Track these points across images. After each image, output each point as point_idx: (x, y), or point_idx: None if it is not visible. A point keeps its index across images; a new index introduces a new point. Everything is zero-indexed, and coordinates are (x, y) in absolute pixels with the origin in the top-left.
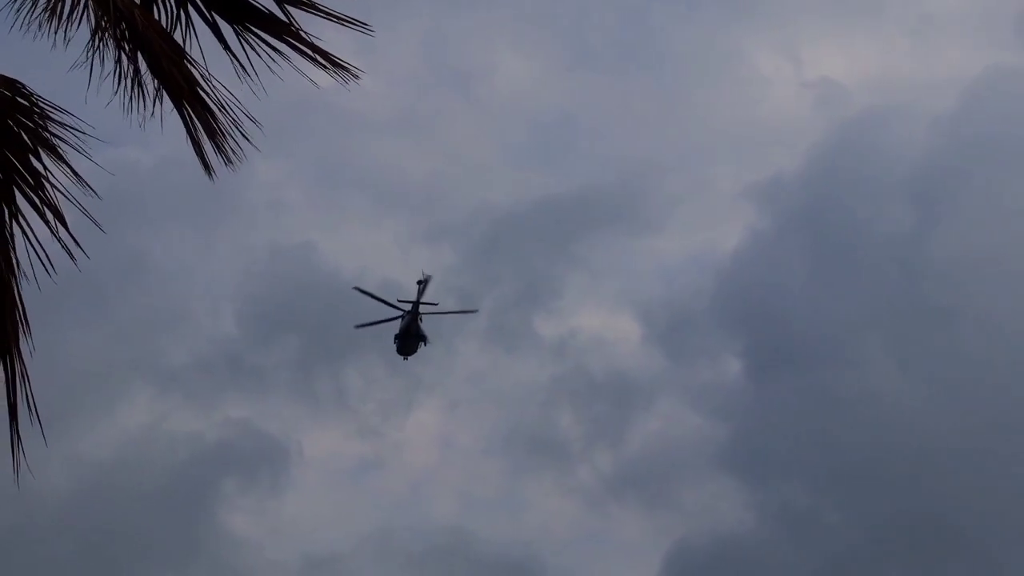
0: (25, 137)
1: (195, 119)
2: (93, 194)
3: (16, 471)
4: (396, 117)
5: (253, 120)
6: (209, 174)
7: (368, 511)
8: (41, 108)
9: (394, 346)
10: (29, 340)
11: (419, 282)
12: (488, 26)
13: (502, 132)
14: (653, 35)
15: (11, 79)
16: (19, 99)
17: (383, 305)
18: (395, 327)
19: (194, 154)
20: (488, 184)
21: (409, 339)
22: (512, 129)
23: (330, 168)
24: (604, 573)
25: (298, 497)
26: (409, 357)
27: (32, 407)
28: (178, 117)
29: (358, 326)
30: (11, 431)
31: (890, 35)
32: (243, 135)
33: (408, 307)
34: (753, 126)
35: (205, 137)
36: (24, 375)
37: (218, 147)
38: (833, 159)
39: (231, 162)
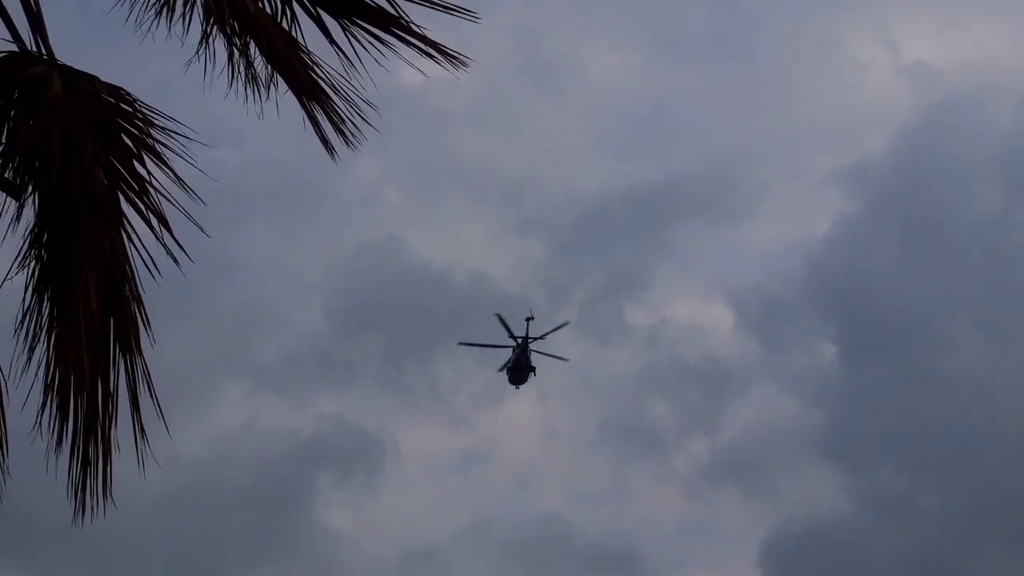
0: (129, 143)
1: (312, 102)
2: (196, 198)
3: (141, 465)
4: (486, 110)
5: (369, 103)
6: (332, 155)
7: (464, 503)
8: (144, 114)
9: (505, 375)
10: (149, 334)
11: (527, 319)
12: (581, 17)
13: (594, 124)
14: (747, 23)
15: (115, 86)
16: (123, 105)
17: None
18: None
19: (316, 138)
20: (577, 175)
21: (520, 370)
22: (604, 120)
23: (419, 162)
24: (702, 561)
25: (393, 490)
26: (520, 386)
27: (154, 400)
28: (289, 109)
29: (461, 343)
30: (134, 425)
31: (986, 17)
32: (361, 116)
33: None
34: (847, 112)
35: (324, 119)
36: (145, 371)
37: (336, 128)
38: (923, 142)
39: (350, 143)
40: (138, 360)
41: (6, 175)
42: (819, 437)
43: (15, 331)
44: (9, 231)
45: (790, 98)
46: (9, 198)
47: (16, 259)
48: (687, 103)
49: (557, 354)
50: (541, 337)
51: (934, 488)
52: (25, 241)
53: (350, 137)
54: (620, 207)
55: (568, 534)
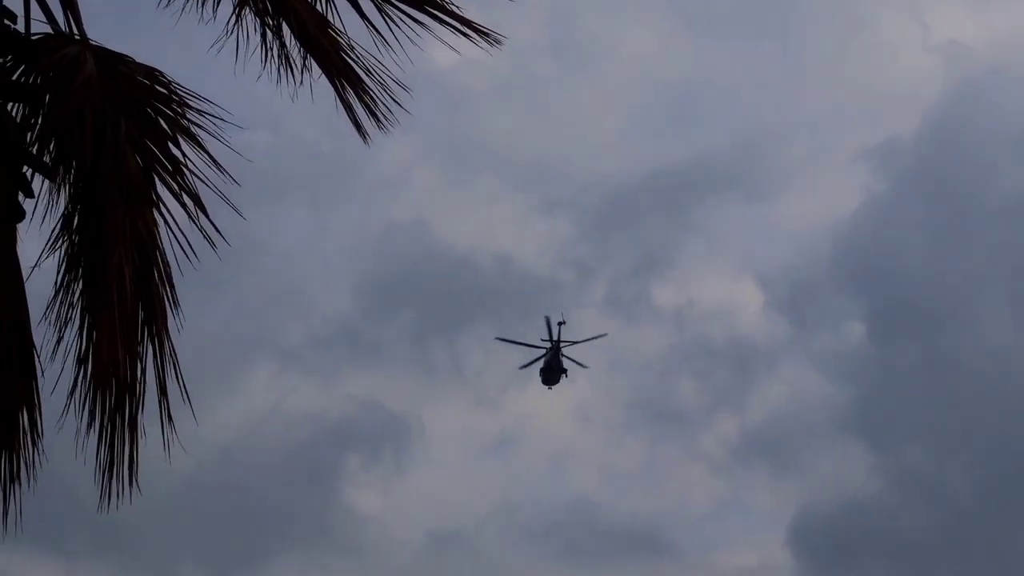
0: (164, 125)
1: (345, 84)
2: (230, 179)
3: (168, 449)
4: (516, 89)
5: (401, 85)
6: (364, 138)
7: (492, 485)
8: (179, 95)
9: (524, 372)
10: (178, 318)
11: (560, 323)
12: None
13: (623, 103)
14: (778, 1)
15: (150, 67)
16: (158, 87)
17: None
18: (531, 351)
19: (346, 119)
20: (606, 155)
21: (552, 372)
22: (633, 99)
23: (448, 142)
24: (731, 541)
25: (421, 472)
26: (552, 387)
27: (181, 385)
28: (322, 90)
29: (499, 339)
30: (160, 409)
31: None
32: (393, 99)
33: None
34: (877, 91)
35: (356, 101)
36: (173, 354)
37: (369, 111)
38: (953, 120)
39: (383, 125)
40: (167, 344)
41: (42, 157)
42: (848, 416)
43: (44, 314)
44: (43, 213)
45: (820, 77)
46: (44, 180)
47: (48, 241)
48: (717, 82)
49: (581, 361)
50: (576, 342)
51: (963, 467)
52: (58, 223)
53: (383, 120)
54: (648, 186)
55: (597, 515)
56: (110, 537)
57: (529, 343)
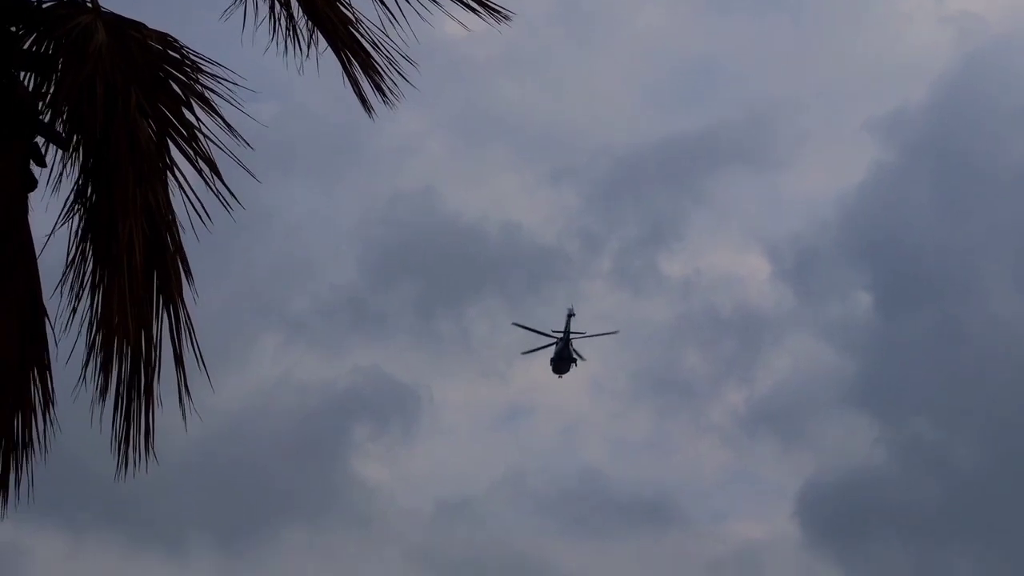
0: (177, 90)
1: (352, 58)
2: (245, 144)
3: (185, 418)
4: (526, 60)
5: (409, 60)
6: (369, 112)
7: (500, 455)
8: (192, 60)
9: (550, 367)
10: (192, 287)
11: (570, 315)
12: None
13: (633, 74)
14: None
15: (162, 33)
16: (171, 52)
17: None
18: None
19: (353, 94)
20: (615, 125)
21: (563, 361)
22: (644, 70)
23: (456, 113)
24: (738, 510)
25: (429, 443)
26: (563, 375)
27: (198, 355)
28: (330, 63)
29: (515, 324)
30: (178, 378)
31: None
32: (399, 73)
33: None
34: (889, 61)
35: (362, 76)
36: (188, 322)
37: (376, 86)
38: (962, 90)
39: (389, 100)
40: (182, 312)
41: (54, 126)
42: (854, 387)
43: (58, 284)
44: (56, 183)
45: (831, 48)
46: (57, 150)
47: (61, 211)
48: (728, 53)
49: (580, 354)
50: (585, 335)
51: (969, 438)
52: (70, 193)
53: (388, 95)
54: (657, 156)
55: (605, 485)
56: (118, 507)
57: (543, 332)
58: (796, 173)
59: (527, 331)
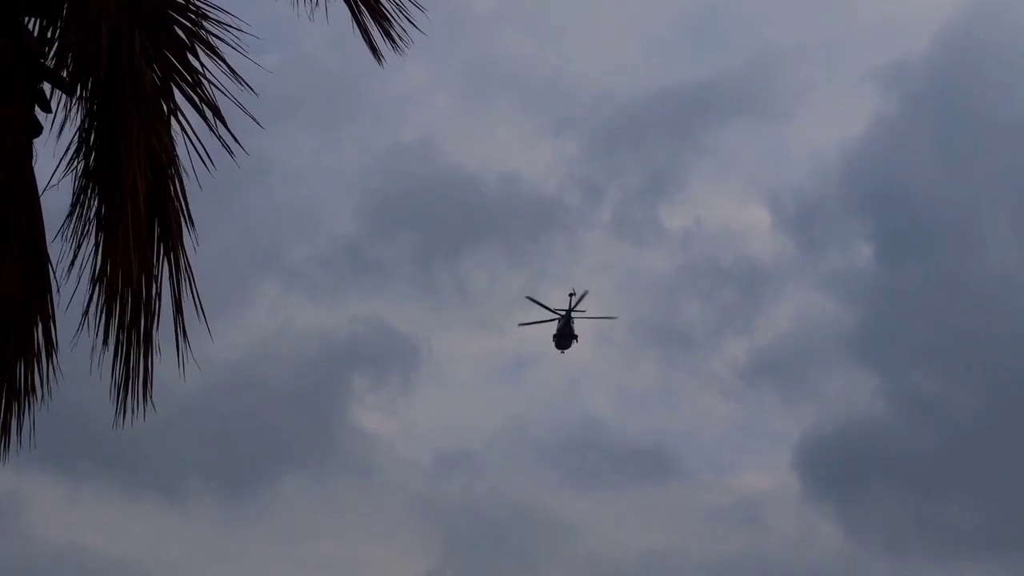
0: (182, 35)
1: (361, 4)
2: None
3: (182, 366)
4: (527, 9)
5: (417, 5)
6: (378, 59)
7: (500, 406)
8: (197, 6)
9: (553, 343)
10: (192, 235)
11: (570, 295)
12: None
13: (635, 23)
14: None
15: None
16: None
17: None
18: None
19: (361, 40)
20: (616, 75)
21: (564, 338)
22: (646, 20)
23: (458, 64)
24: (738, 460)
25: (428, 393)
26: (565, 351)
27: (197, 303)
28: (337, 10)
29: (529, 298)
30: (175, 326)
31: None
32: (408, 20)
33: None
34: (890, 12)
35: (371, 22)
36: (188, 270)
37: (385, 32)
38: (964, 41)
39: (398, 47)
40: (182, 260)
41: (60, 72)
42: (854, 338)
43: (60, 229)
44: (60, 130)
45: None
46: (62, 97)
47: (65, 157)
48: (730, 3)
49: (575, 335)
50: (584, 313)
51: (969, 388)
52: (74, 138)
53: (398, 42)
54: (658, 106)
55: (605, 435)
56: (118, 456)
57: (552, 309)
58: (798, 124)
59: (538, 307)
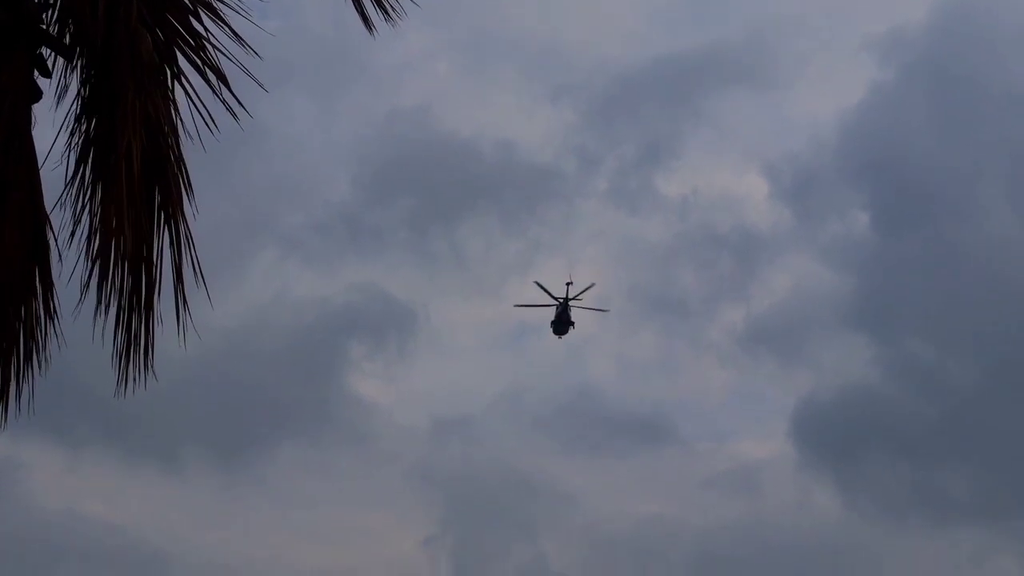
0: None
1: None
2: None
3: (182, 334)
4: None
5: None
6: (370, 30)
7: (497, 373)
8: None
9: (551, 330)
10: (192, 202)
11: (568, 284)
12: None
13: None
14: None
15: None
16: None
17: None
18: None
19: (354, 11)
20: (614, 42)
21: (561, 324)
22: None
23: (453, 32)
24: (735, 428)
25: (425, 361)
26: (562, 336)
27: (197, 270)
28: None
29: (536, 283)
30: (176, 294)
31: None
32: None
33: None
34: None
35: None
36: (188, 237)
37: (377, 2)
38: (960, 8)
39: (391, 18)
40: (182, 227)
41: (62, 38)
42: (851, 306)
43: (60, 197)
44: (61, 95)
45: None
46: (63, 63)
47: (62, 125)
48: None
49: (572, 322)
50: (582, 303)
51: (965, 357)
52: (72, 106)
53: (391, 12)
54: (655, 75)
55: (603, 403)
56: (115, 423)
57: (553, 295)
58: (796, 93)
59: (542, 291)
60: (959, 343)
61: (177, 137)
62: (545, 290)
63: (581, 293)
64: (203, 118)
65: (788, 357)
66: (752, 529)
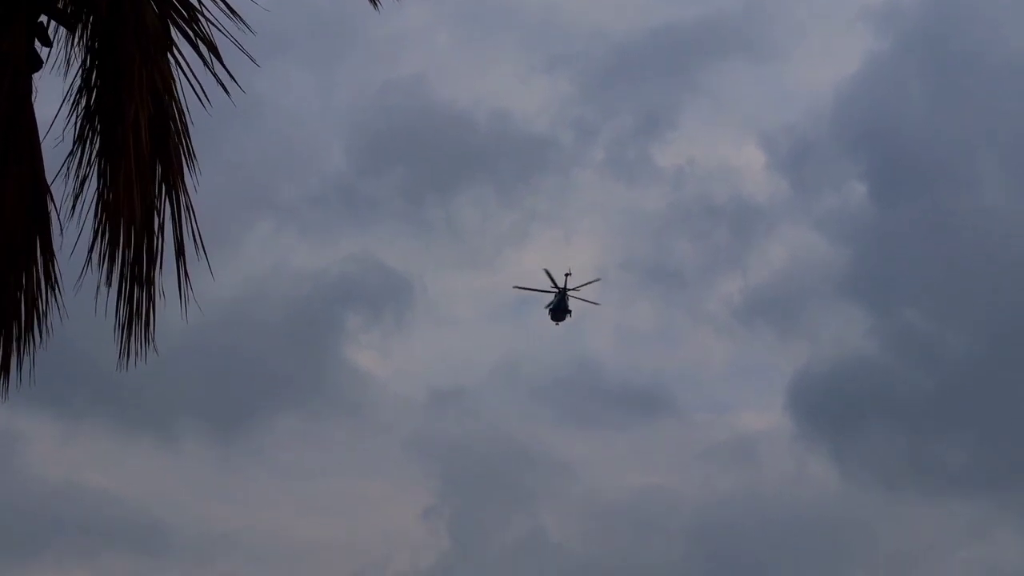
0: None
1: None
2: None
3: (184, 305)
4: None
5: None
6: (375, 4)
7: (493, 344)
8: None
9: (549, 316)
10: (194, 174)
11: (566, 274)
12: None
13: None
14: None
15: None
16: None
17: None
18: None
19: None
20: (610, 12)
21: (559, 312)
22: None
23: (451, 1)
24: (732, 399)
25: (422, 332)
26: (560, 323)
27: (198, 242)
28: None
29: (545, 271)
30: (177, 266)
31: None
32: None
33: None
34: None
35: None
36: (189, 208)
37: None
38: None
39: None
40: (183, 198)
41: (66, 9)
42: (848, 277)
43: (62, 166)
44: (64, 65)
45: None
46: (64, 33)
47: (67, 95)
48: None
49: (569, 310)
50: (578, 293)
51: (961, 327)
52: (76, 75)
53: None
54: (652, 45)
55: (600, 375)
56: (112, 394)
57: (555, 283)
58: (792, 63)
59: (549, 279)
60: (956, 313)
61: (180, 108)
62: (551, 279)
63: (582, 286)
64: (196, 92)
65: (785, 328)
66: (750, 500)
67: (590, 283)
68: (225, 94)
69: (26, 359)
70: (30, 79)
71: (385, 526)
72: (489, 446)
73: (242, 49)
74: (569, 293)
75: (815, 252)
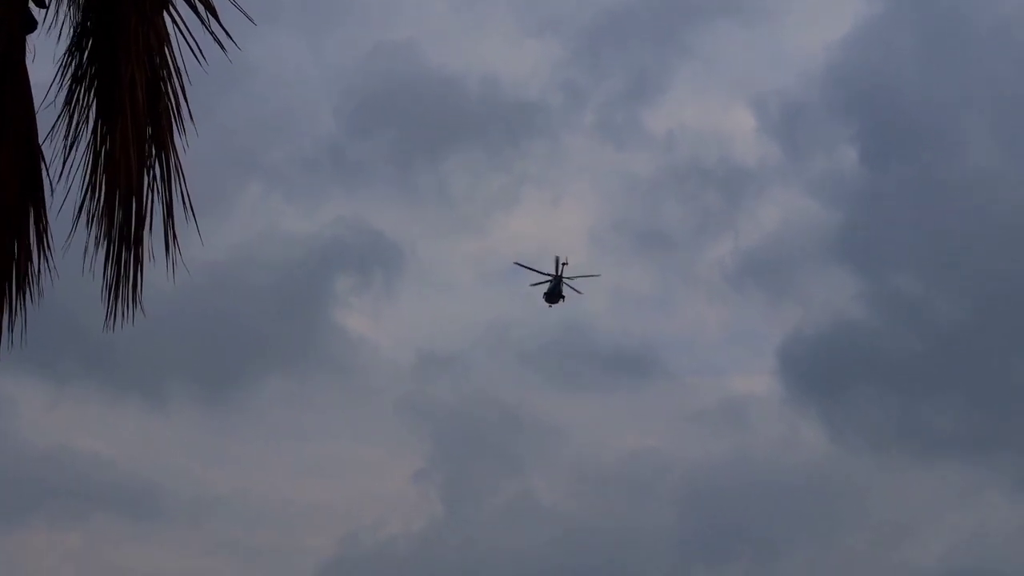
0: None
1: None
2: None
3: (172, 268)
4: None
5: None
6: None
7: (483, 308)
8: None
9: (543, 299)
10: (184, 136)
11: (563, 263)
12: None
13: None
14: None
15: None
16: None
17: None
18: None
19: None
20: None
21: (554, 296)
22: None
23: None
24: (722, 362)
25: (411, 295)
26: (552, 306)
27: (187, 203)
28: None
29: (557, 258)
30: (165, 228)
31: None
32: None
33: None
34: None
35: None
36: (179, 170)
37: None
38: None
39: None
40: (173, 160)
41: None
42: (839, 241)
43: (53, 126)
44: (58, 26)
45: None
46: None
47: (64, 54)
48: None
49: (562, 295)
50: (572, 281)
51: (951, 291)
52: (73, 32)
53: None
54: (643, 8)
55: (591, 338)
56: (100, 357)
57: (543, 271)
58: (783, 27)
59: (555, 266)
60: (946, 277)
61: (175, 68)
62: (557, 265)
63: (579, 277)
64: (192, 51)
65: (776, 291)
66: (740, 463)
67: (590, 276)
68: (222, 53)
69: (19, 320)
70: (24, 40)
71: (376, 489)
72: (480, 409)
73: (239, 8)
74: (565, 280)
75: (806, 215)
